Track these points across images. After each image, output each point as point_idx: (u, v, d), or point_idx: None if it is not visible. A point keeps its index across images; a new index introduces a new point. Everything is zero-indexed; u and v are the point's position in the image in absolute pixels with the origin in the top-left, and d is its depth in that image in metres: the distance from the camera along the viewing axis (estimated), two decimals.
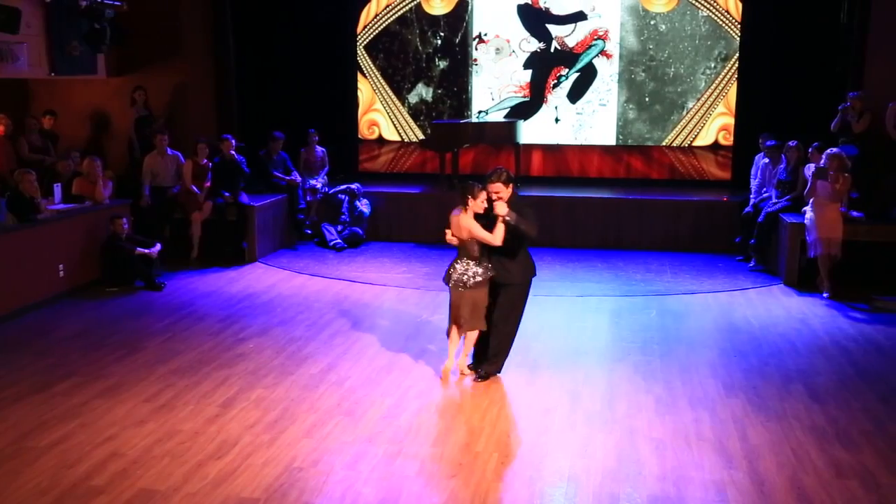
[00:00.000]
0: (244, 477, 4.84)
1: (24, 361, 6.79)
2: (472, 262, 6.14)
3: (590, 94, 12.34)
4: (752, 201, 10.26)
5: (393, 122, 12.91)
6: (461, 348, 6.42)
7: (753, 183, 10.42)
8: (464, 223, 6.08)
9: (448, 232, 6.23)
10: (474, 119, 12.49)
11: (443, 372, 6.40)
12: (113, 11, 10.30)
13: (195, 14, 11.69)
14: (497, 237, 6.01)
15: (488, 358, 6.42)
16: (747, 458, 5.12)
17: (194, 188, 10.25)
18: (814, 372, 6.63)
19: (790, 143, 9.83)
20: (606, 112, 12.34)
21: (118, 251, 9.09)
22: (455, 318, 6.27)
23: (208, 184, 10.36)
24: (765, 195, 10.11)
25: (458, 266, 6.18)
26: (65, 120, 11.25)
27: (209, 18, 11.86)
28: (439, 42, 12.61)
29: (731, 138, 12.08)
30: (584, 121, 12.42)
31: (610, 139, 12.40)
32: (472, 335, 6.34)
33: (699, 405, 5.93)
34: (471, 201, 6.05)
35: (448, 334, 6.41)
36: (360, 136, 12.98)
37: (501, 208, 5.99)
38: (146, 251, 9.12)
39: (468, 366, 6.49)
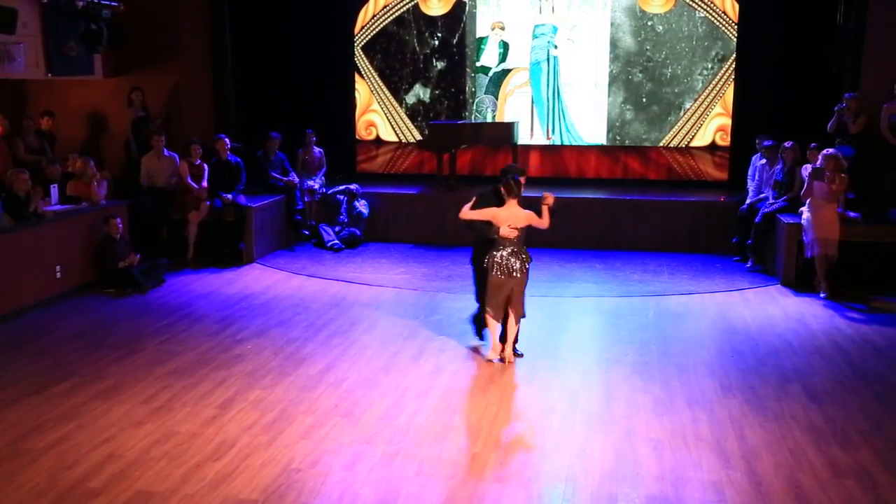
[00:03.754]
0: (242, 478, 4.84)
1: (22, 363, 6.78)
2: (518, 251, 6.58)
3: (585, 95, 12.35)
4: (748, 201, 10.28)
5: (390, 122, 12.91)
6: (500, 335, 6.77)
7: (750, 183, 10.44)
8: (524, 214, 6.57)
9: (508, 226, 6.53)
10: (472, 120, 12.50)
11: (506, 357, 6.75)
12: (110, 12, 10.30)
13: (192, 14, 11.68)
14: (546, 222, 6.69)
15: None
16: (745, 458, 5.13)
17: (192, 183, 10.24)
18: (811, 372, 6.64)
19: (786, 143, 9.84)
20: (604, 113, 12.35)
21: (110, 255, 9.06)
22: (508, 305, 6.63)
23: (205, 184, 10.36)
24: (762, 195, 10.13)
25: (507, 254, 6.53)
26: (62, 121, 11.22)
27: (206, 19, 11.84)
28: (437, 43, 12.62)
29: (728, 139, 12.09)
30: (581, 122, 12.43)
31: (607, 140, 12.41)
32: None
33: (697, 405, 5.94)
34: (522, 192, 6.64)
35: (488, 325, 6.77)
36: (357, 137, 12.98)
37: (550, 198, 6.68)
38: (126, 263, 9.06)
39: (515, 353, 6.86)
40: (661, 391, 6.21)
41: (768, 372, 6.63)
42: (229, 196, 10.35)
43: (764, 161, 10.20)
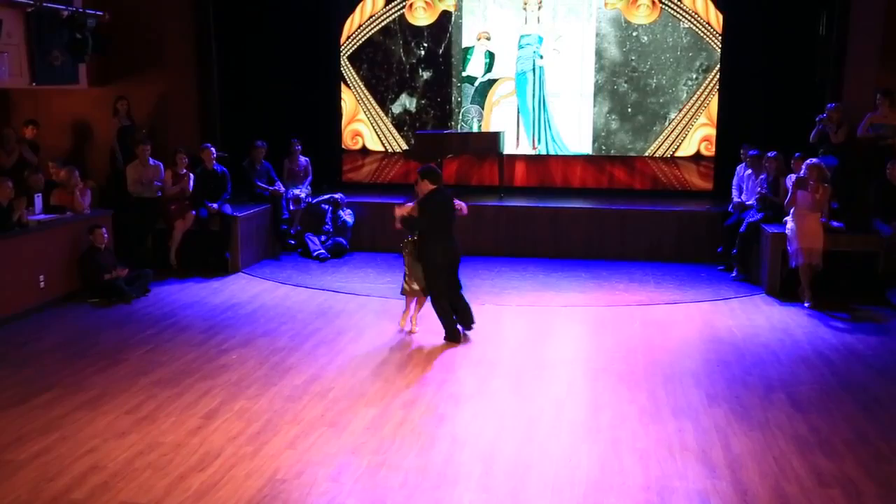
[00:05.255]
0: (227, 489, 4.81)
1: (4, 373, 6.72)
2: None
3: (570, 105, 12.41)
4: (731, 206, 10.36)
5: (377, 132, 12.91)
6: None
7: (735, 193, 10.51)
8: None
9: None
10: (458, 130, 12.52)
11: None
12: (95, 21, 10.25)
13: (178, 23, 11.66)
14: None
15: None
16: (730, 467, 5.14)
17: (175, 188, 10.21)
18: (796, 381, 6.67)
19: (769, 154, 9.91)
20: (589, 123, 12.40)
21: (95, 265, 8.99)
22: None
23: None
24: (747, 204, 10.19)
25: None
26: (47, 130, 11.17)
27: (192, 28, 11.82)
28: (423, 53, 12.64)
29: (713, 149, 12.15)
30: (567, 131, 12.48)
31: (593, 150, 12.46)
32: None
33: (683, 415, 5.95)
34: None
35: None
36: (343, 147, 12.97)
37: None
38: (111, 277, 8.98)
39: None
40: (646, 401, 6.22)
41: (753, 381, 6.65)
42: (215, 205, 10.32)
43: (749, 171, 10.27)
